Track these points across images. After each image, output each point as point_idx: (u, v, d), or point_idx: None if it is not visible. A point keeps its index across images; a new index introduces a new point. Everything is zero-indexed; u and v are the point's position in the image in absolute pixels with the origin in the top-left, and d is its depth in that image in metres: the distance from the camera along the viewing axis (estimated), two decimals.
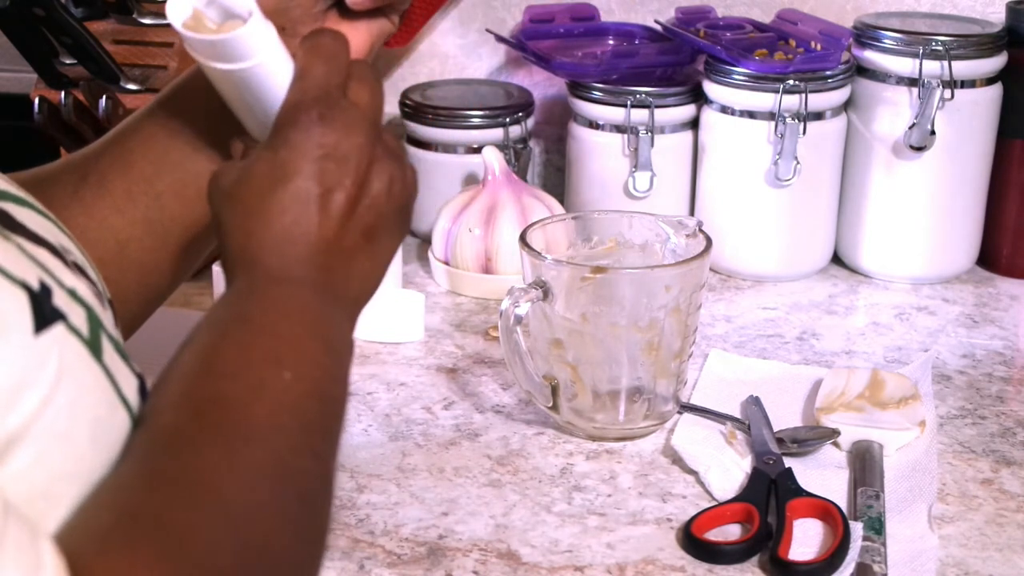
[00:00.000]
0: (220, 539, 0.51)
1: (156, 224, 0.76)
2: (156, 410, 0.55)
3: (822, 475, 0.92)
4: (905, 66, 1.22)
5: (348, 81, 0.65)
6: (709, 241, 0.98)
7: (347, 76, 0.65)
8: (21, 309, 0.48)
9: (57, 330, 0.50)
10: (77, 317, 0.52)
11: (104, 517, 0.49)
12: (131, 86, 1.21)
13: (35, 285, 0.50)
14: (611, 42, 1.38)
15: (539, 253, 0.95)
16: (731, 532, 0.86)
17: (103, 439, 0.52)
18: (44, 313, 0.49)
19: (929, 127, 1.21)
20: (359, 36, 0.78)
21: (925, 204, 1.25)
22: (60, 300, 0.51)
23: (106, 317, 0.56)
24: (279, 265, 0.61)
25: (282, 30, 0.68)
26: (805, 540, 0.84)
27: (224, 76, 0.67)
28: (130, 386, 0.55)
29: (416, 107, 1.32)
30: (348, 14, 0.77)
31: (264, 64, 0.66)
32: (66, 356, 0.50)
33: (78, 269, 0.57)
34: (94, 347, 0.53)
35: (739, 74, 1.22)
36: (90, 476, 0.51)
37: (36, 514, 0.48)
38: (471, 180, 1.30)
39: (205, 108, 0.73)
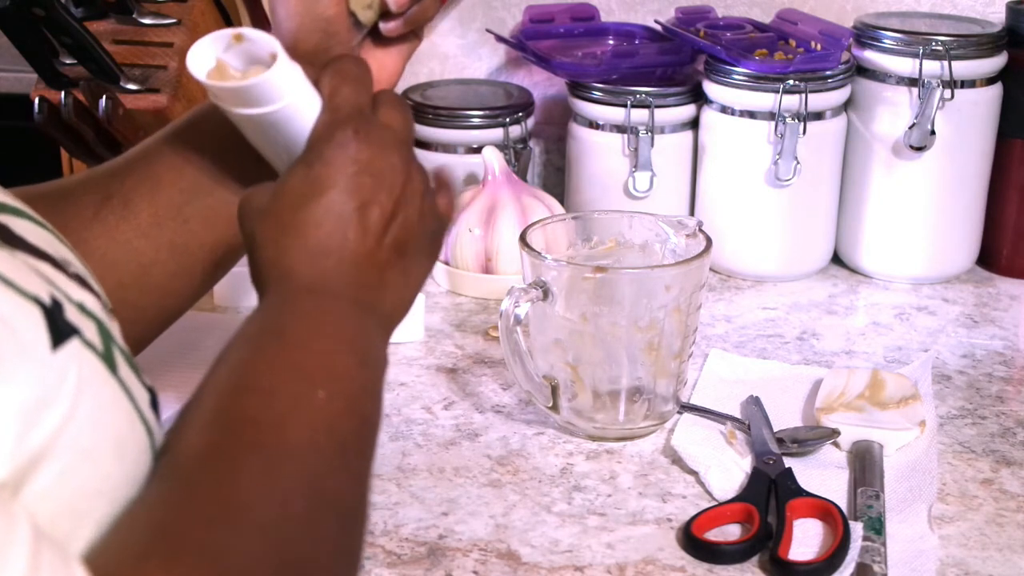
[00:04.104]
0: (258, 558, 0.50)
1: (181, 249, 0.76)
2: (190, 427, 0.55)
3: (822, 475, 0.92)
4: (905, 66, 1.22)
5: (378, 107, 0.66)
6: (709, 241, 0.98)
7: (375, 101, 0.66)
8: (37, 325, 0.47)
9: (73, 345, 0.49)
10: (89, 331, 0.51)
11: (140, 535, 0.49)
12: (131, 86, 1.21)
13: (47, 300, 0.49)
14: (611, 42, 1.38)
15: (539, 253, 0.95)
16: (731, 532, 0.86)
17: (125, 454, 0.51)
18: (59, 328, 0.48)
19: (929, 127, 1.21)
20: (392, 58, 0.80)
21: (925, 204, 1.25)
22: (71, 314, 0.50)
23: (114, 329, 0.55)
24: (313, 277, 0.61)
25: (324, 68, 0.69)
26: (805, 540, 0.84)
27: (253, 121, 0.66)
28: (144, 400, 0.54)
29: (416, 107, 1.32)
30: (381, 40, 0.79)
31: (292, 104, 0.65)
32: (84, 371, 0.49)
33: (80, 281, 0.55)
34: (109, 361, 0.52)
35: (739, 74, 1.22)
36: (114, 492, 0.50)
37: (62, 532, 0.47)
38: (471, 180, 1.30)
39: (236, 133, 0.72)
